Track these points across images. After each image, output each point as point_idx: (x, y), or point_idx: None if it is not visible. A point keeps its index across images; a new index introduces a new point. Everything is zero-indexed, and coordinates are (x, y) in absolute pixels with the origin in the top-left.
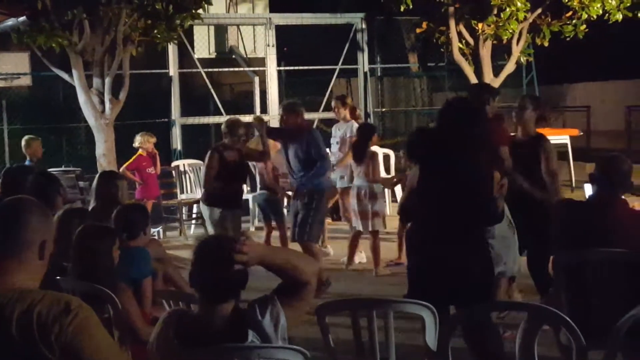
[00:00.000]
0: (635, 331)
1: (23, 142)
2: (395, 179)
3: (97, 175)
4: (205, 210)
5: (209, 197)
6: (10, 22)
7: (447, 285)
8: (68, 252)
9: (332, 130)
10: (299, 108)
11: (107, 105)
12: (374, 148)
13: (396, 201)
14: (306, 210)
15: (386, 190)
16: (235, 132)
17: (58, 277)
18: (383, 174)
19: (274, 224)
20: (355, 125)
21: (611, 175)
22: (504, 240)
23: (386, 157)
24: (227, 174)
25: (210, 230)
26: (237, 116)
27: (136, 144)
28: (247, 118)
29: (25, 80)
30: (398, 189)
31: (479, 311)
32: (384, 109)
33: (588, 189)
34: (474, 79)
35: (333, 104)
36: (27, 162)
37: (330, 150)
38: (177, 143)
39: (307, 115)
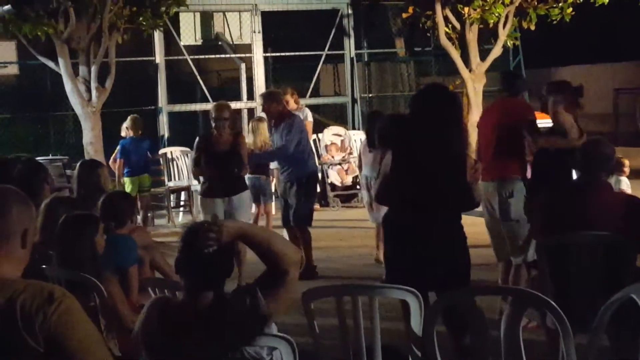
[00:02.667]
0: (619, 315)
1: None
2: None
3: (77, 164)
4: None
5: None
6: None
7: (426, 270)
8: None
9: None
10: (278, 96)
11: (94, 93)
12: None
13: None
14: (298, 196)
15: None
16: (219, 116)
17: (43, 266)
18: None
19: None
20: (307, 110)
21: (593, 160)
22: (522, 221)
23: None
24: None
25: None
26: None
27: (123, 133)
28: (234, 104)
29: (12, 69)
30: None
31: (459, 296)
32: (371, 94)
33: (574, 174)
34: (460, 64)
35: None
36: None
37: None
38: (164, 130)
39: None
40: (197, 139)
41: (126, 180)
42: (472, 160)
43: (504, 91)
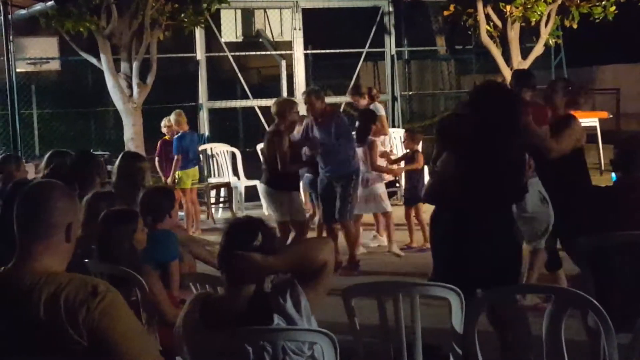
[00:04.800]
0: None
1: None
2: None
3: (119, 156)
4: (276, 194)
5: (283, 180)
6: (39, 6)
7: (474, 268)
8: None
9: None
10: (321, 93)
11: (135, 89)
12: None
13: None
14: (345, 193)
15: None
16: (288, 114)
17: (86, 260)
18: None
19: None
20: (379, 105)
21: (631, 156)
22: (538, 216)
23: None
24: (294, 155)
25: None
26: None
27: (163, 129)
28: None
29: (54, 65)
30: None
31: (504, 293)
32: (411, 92)
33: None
34: (502, 62)
35: (349, 97)
36: None
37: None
38: (204, 127)
39: (334, 99)
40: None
41: (181, 173)
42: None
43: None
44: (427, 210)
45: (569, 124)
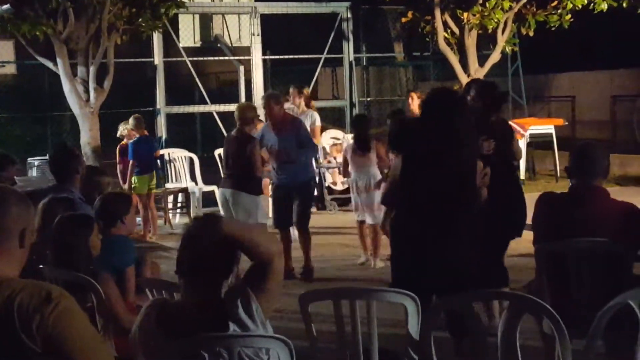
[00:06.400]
0: (616, 321)
1: None
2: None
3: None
4: (248, 199)
5: (256, 185)
6: None
7: (431, 274)
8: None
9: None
10: (280, 98)
11: (92, 93)
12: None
13: None
14: (302, 198)
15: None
16: (256, 119)
17: (41, 266)
18: None
19: None
20: (315, 114)
21: (585, 164)
22: None
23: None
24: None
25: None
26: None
27: (120, 134)
28: (232, 107)
29: (10, 69)
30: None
31: (460, 300)
32: (369, 98)
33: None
34: (459, 69)
35: (290, 91)
36: None
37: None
38: (162, 132)
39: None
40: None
41: (137, 179)
42: (482, 165)
43: None
44: None
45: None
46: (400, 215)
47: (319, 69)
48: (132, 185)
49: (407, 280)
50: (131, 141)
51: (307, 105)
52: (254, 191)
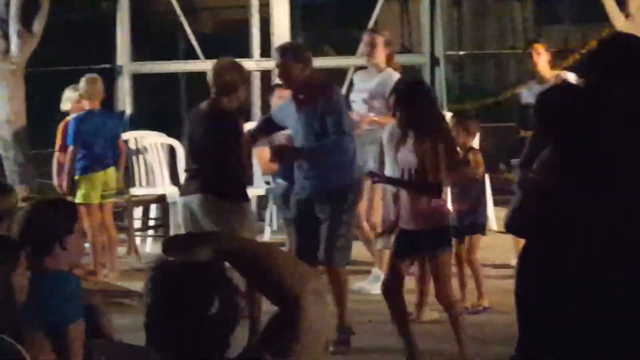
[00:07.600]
0: None
1: None
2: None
3: None
4: (229, 208)
5: (239, 189)
6: None
7: (598, 337)
8: None
9: (354, 80)
10: (304, 53)
11: (15, 40)
12: None
13: None
14: (332, 219)
15: None
16: (230, 84)
17: None
18: None
19: None
20: (396, 75)
21: None
22: None
23: None
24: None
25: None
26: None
27: (65, 106)
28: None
29: None
30: None
31: None
32: (462, 52)
33: None
34: (611, 5)
35: (364, 39)
36: None
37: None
38: (124, 103)
39: (336, 61)
40: None
41: (84, 179)
42: None
43: None
44: (485, 246)
45: None
46: (547, 247)
47: (379, 4)
48: (79, 191)
49: (546, 346)
50: (73, 116)
51: (388, 62)
52: (236, 197)
